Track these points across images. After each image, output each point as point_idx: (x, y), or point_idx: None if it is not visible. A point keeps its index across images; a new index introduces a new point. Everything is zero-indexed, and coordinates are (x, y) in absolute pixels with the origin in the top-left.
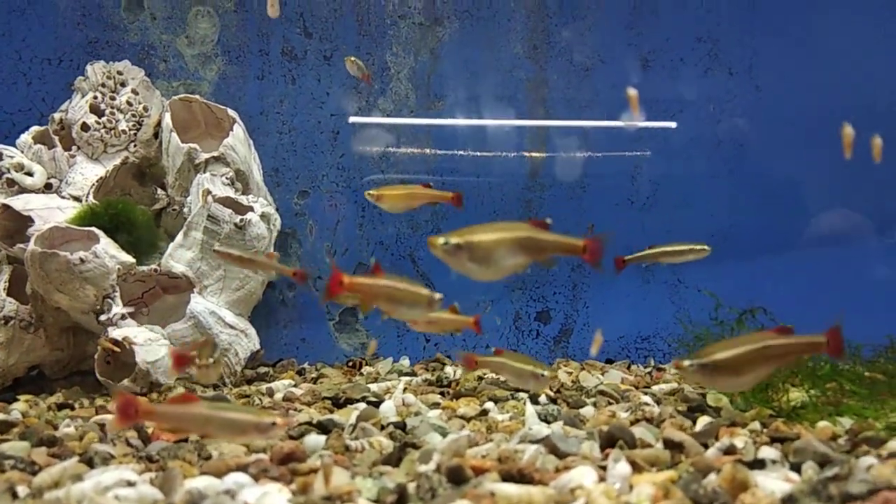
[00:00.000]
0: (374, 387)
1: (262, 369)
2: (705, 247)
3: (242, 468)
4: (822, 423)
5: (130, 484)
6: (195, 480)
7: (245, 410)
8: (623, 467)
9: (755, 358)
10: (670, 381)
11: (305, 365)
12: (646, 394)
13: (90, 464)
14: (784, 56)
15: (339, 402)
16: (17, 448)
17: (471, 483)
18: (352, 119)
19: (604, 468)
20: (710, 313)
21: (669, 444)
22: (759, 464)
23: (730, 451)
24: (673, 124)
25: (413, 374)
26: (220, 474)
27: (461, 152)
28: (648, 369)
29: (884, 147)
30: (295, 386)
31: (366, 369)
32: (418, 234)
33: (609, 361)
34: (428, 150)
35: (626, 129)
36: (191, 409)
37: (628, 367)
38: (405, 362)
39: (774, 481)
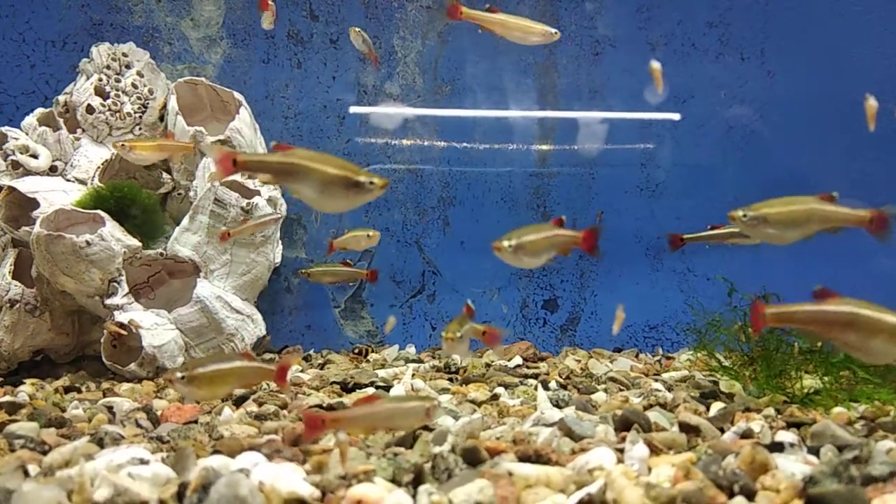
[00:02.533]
0: (381, 373)
1: (268, 355)
2: None
3: (255, 448)
4: (837, 409)
5: (143, 462)
6: (209, 459)
7: (413, 398)
8: (641, 449)
9: None
10: (680, 368)
11: (311, 351)
12: (656, 381)
13: (100, 444)
14: (796, 41)
15: (347, 387)
16: (26, 428)
17: (487, 464)
18: (352, 109)
19: (621, 451)
20: (720, 301)
21: (685, 428)
22: (777, 447)
23: (747, 434)
24: (676, 116)
25: (420, 360)
26: (232, 454)
27: (469, 139)
28: (657, 357)
29: None
30: (302, 371)
31: (372, 356)
32: (425, 220)
33: (617, 350)
34: (435, 137)
35: (634, 115)
36: (377, 408)
37: (636, 356)
38: (411, 349)
39: (794, 463)
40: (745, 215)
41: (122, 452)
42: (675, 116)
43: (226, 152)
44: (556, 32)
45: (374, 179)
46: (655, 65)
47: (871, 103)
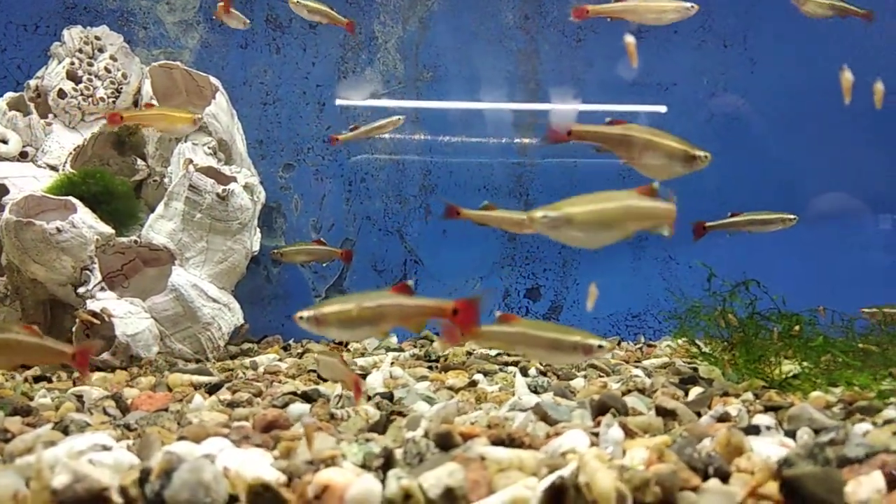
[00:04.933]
0: (361, 361)
1: (247, 345)
2: (792, 216)
3: (223, 434)
4: (815, 393)
5: (106, 448)
6: (173, 446)
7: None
8: (616, 432)
9: None
10: (661, 355)
11: (291, 341)
12: (637, 367)
13: (65, 432)
14: (779, 28)
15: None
16: None
17: (460, 448)
18: (339, 101)
19: (596, 435)
20: (702, 288)
21: (662, 412)
22: (753, 430)
23: (723, 418)
24: (659, 104)
25: (401, 349)
26: (198, 440)
27: (451, 126)
28: (639, 345)
29: (879, 126)
30: (280, 360)
31: (353, 345)
32: (406, 209)
33: None
34: (416, 124)
35: (616, 103)
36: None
37: (619, 344)
38: (393, 339)
39: (770, 446)
40: (544, 216)
41: (83, 438)
42: (658, 105)
43: (560, 123)
44: (692, 6)
45: (708, 154)
46: (630, 39)
47: (847, 76)
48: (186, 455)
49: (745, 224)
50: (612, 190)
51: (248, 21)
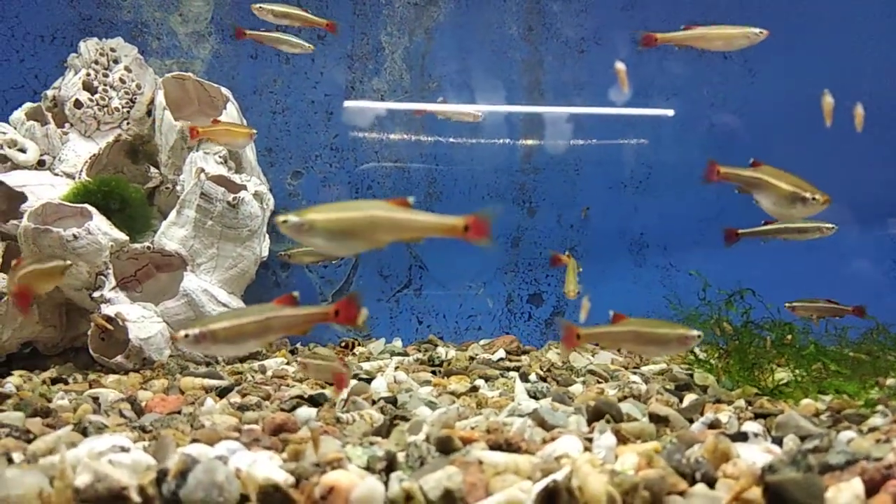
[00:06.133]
0: (366, 365)
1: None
2: (830, 224)
3: (233, 438)
4: (805, 401)
5: (124, 450)
6: (187, 448)
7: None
8: (608, 438)
9: None
10: (659, 361)
11: (298, 345)
12: (635, 373)
13: (84, 433)
14: (779, 40)
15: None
16: (11, 418)
17: (459, 452)
18: (347, 103)
19: (590, 440)
20: (699, 297)
21: (655, 418)
22: (741, 437)
23: (714, 425)
24: (670, 112)
25: (405, 354)
26: (211, 442)
27: (455, 135)
28: None
29: (878, 134)
30: (287, 364)
31: (358, 349)
32: None
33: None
34: (422, 132)
35: (620, 111)
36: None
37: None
38: (398, 343)
39: (756, 453)
40: (285, 220)
41: (103, 440)
42: (659, 113)
43: (712, 162)
44: (761, 32)
45: (817, 196)
46: (620, 66)
47: (828, 100)
48: (200, 456)
49: (780, 232)
50: (368, 199)
51: (312, 46)
